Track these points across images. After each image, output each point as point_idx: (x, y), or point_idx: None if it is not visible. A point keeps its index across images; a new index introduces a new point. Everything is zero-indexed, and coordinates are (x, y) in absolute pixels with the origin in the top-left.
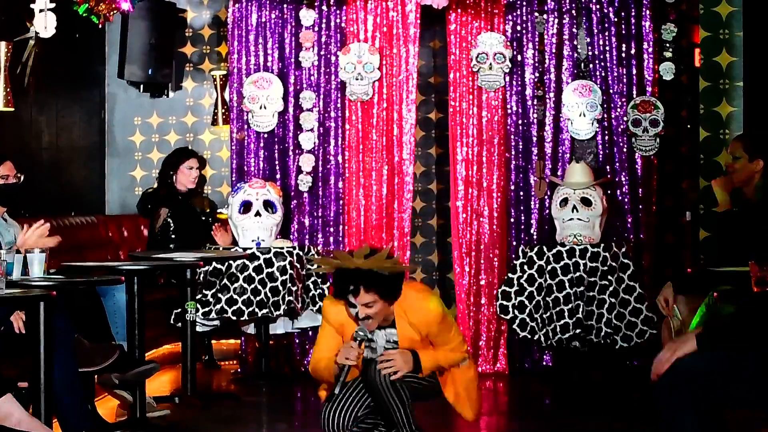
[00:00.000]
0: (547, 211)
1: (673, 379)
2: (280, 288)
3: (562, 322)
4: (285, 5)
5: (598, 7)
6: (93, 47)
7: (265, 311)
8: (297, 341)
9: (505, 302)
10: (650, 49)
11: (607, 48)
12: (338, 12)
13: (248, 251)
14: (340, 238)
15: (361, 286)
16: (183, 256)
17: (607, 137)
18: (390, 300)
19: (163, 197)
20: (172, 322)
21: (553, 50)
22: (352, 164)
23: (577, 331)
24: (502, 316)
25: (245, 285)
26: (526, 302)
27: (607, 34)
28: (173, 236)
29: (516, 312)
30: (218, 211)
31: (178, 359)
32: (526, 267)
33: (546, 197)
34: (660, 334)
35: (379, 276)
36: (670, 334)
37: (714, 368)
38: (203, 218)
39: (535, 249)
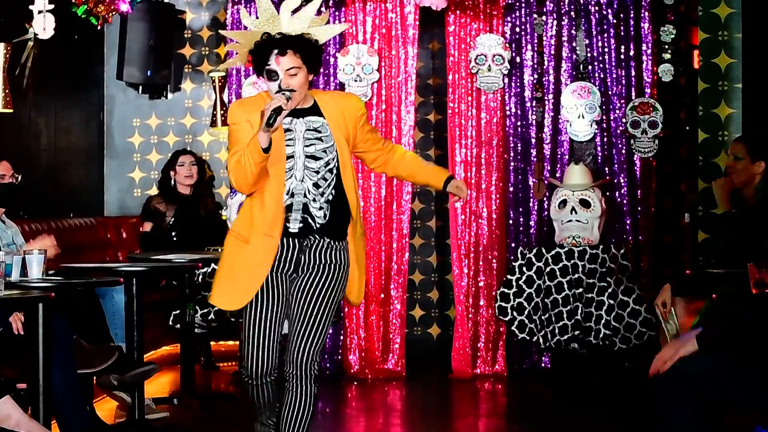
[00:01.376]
0: (546, 212)
1: (672, 381)
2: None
3: (560, 323)
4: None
5: (596, 8)
6: (92, 49)
7: None
8: None
9: (503, 304)
10: (649, 51)
11: (606, 50)
12: (337, 13)
13: None
14: None
15: (288, 48)
16: (181, 257)
17: (605, 139)
18: (312, 70)
19: (165, 199)
20: (171, 323)
21: (552, 52)
22: None
23: (576, 332)
24: (501, 317)
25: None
26: (525, 304)
27: (605, 35)
28: (174, 239)
29: (515, 313)
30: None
31: (177, 361)
32: (524, 268)
33: (545, 199)
34: (659, 336)
35: (308, 41)
36: (665, 340)
37: (713, 370)
38: (206, 220)
39: (534, 250)
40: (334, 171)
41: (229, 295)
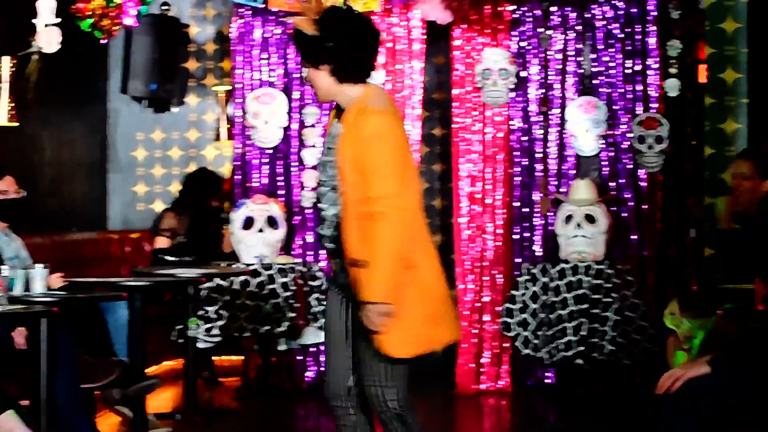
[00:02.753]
0: (551, 228)
1: (678, 395)
2: (282, 304)
3: (565, 339)
4: (289, 21)
5: (603, 23)
6: (96, 62)
7: (267, 327)
8: (299, 358)
9: (508, 319)
10: (655, 66)
11: (612, 64)
12: None
13: (251, 267)
14: None
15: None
16: (185, 272)
17: (611, 154)
18: (316, 64)
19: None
20: (173, 338)
21: (558, 66)
22: None
23: (581, 348)
24: (506, 333)
25: (247, 301)
26: (530, 319)
27: (612, 50)
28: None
29: (519, 329)
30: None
31: (180, 376)
32: (529, 284)
33: (550, 214)
34: (664, 351)
35: (301, 33)
36: (674, 351)
37: (718, 386)
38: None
39: (539, 266)
40: (336, 191)
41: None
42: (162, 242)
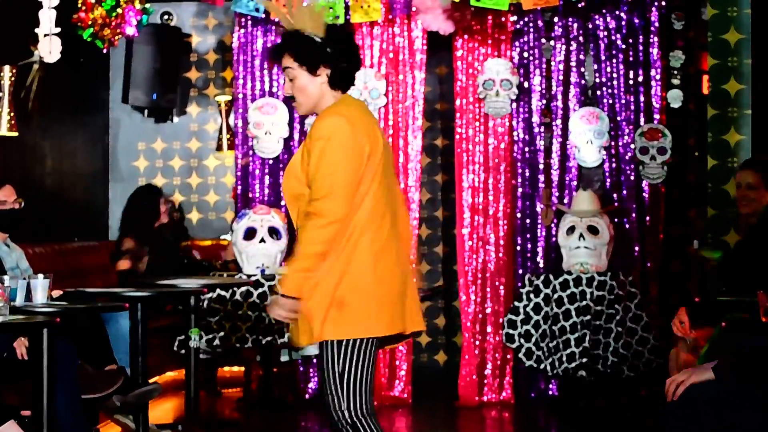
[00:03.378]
0: (554, 238)
1: (682, 406)
2: None
3: (568, 351)
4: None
5: (605, 33)
6: (97, 72)
7: (269, 338)
8: (301, 369)
9: (511, 331)
10: (658, 77)
11: (615, 75)
12: None
13: (252, 278)
14: None
15: (282, 50)
16: (187, 282)
17: (614, 165)
18: (314, 69)
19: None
20: (175, 348)
21: (561, 77)
22: None
23: (584, 360)
24: (508, 344)
25: (249, 312)
26: (532, 331)
27: (614, 60)
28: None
29: (522, 341)
30: (221, 237)
31: (182, 386)
32: (532, 295)
33: (552, 225)
34: (667, 364)
35: (303, 37)
36: (678, 364)
37: (724, 397)
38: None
39: (542, 277)
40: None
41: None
42: (124, 265)
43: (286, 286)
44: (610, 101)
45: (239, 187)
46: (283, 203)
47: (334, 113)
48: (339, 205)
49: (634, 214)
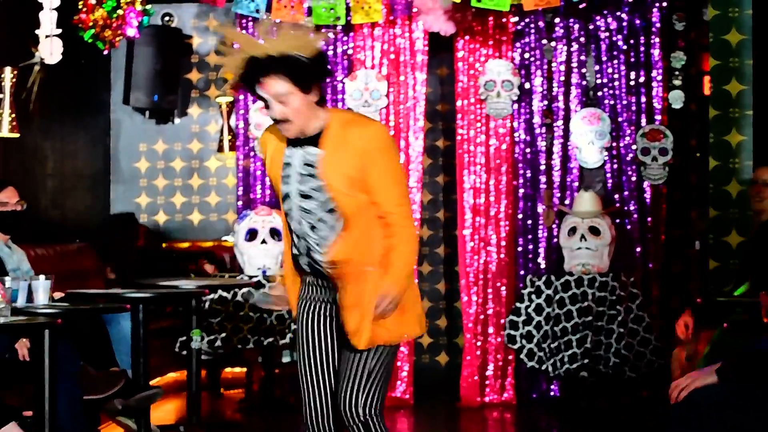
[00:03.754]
0: (555, 240)
1: (686, 409)
2: (286, 316)
3: (570, 352)
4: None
5: (607, 34)
6: (98, 73)
7: (270, 339)
8: None
9: (512, 332)
10: (659, 77)
11: (616, 76)
12: (345, 39)
13: (254, 279)
14: None
15: (269, 72)
16: (188, 283)
17: (615, 166)
18: (308, 89)
19: None
20: (177, 350)
21: (562, 78)
22: None
23: (585, 361)
24: (510, 345)
25: (251, 313)
26: (534, 332)
27: (616, 61)
28: None
29: (524, 342)
30: (223, 238)
31: (184, 387)
32: (533, 296)
33: (554, 226)
34: (669, 365)
35: (292, 58)
36: (680, 365)
37: (726, 401)
38: None
39: (543, 278)
40: (335, 213)
41: None
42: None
43: (400, 285)
44: (612, 102)
45: (241, 189)
46: None
47: (373, 121)
48: (410, 211)
49: (635, 215)
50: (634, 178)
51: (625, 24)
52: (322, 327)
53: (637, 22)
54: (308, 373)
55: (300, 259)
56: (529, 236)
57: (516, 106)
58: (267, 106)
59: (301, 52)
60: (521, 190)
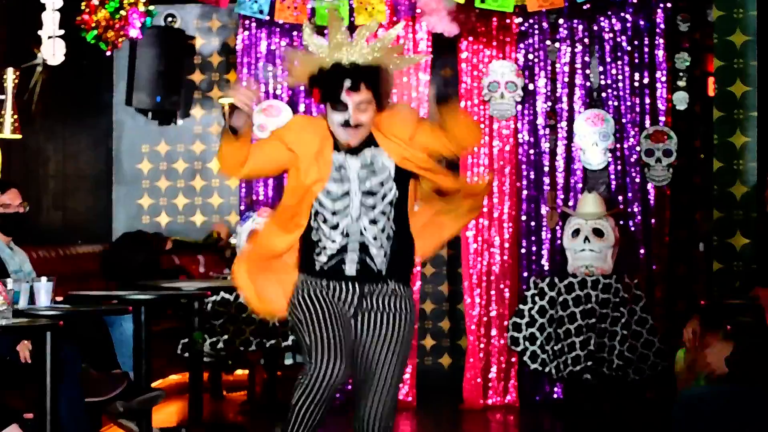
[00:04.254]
0: (559, 241)
1: (690, 412)
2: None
3: (573, 354)
4: (294, 33)
5: (611, 35)
6: (101, 74)
7: (273, 342)
8: None
9: (515, 334)
10: (663, 79)
11: (620, 77)
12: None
13: None
14: None
15: (362, 82)
16: (190, 285)
17: (619, 167)
18: (381, 107)
19: None
20: (179, 352)
21: (566, 79)
22: None
23: (589, 363)
24: (513, 347)
25: (253, 315)
26: (537, 334)
27: (620, 63)
28: None
29: (527, 344)
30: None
31: (185, 390)
32: (537, 298)
33: (558, 228)
34: (673, 367)
35: (382, 75)
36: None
37: (730, 405)
38: None
39: (547, 280)
40: (392, 205)
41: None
42: None
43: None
44: (616, 103)
45: (243, 190)
46: None
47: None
48: None
49: (639, 217)
50: (638, 180)
51: (629, 25)
52: (339, 309)
53: (642, 23)
54: (320, 327)
55: (345, 258)
56: (533, 238)
57: (520, 107)
58: (336, 110)
59: (393, 66)
60: (525, 192)
